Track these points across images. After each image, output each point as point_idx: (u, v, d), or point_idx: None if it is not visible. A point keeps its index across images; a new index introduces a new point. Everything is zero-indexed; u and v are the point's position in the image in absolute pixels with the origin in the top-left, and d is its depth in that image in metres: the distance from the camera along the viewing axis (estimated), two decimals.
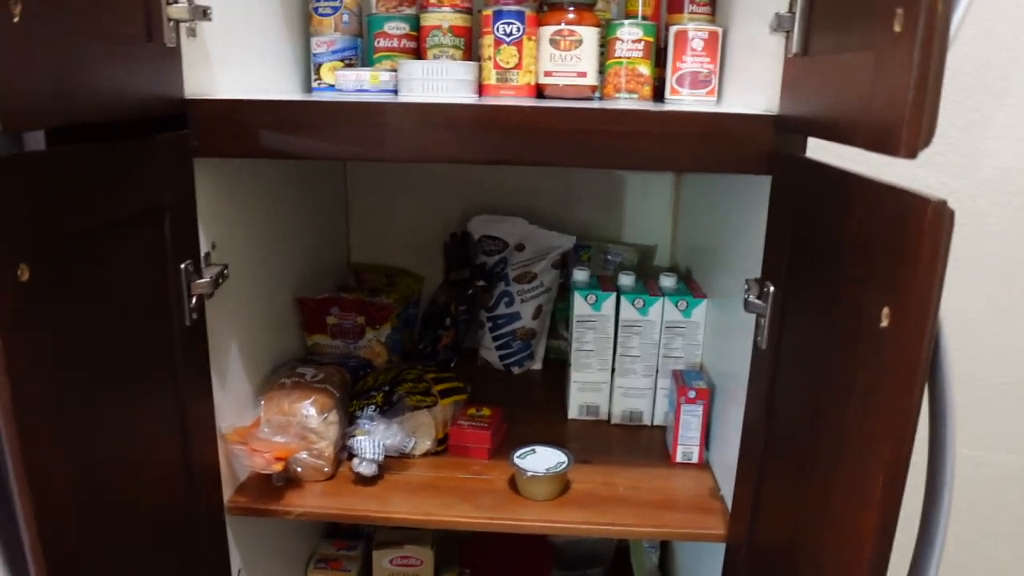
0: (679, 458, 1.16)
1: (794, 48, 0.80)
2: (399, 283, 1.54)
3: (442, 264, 1.59)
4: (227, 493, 1.03)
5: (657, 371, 1.26)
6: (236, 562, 1.06)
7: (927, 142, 0.51)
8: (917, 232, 0.51)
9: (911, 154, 0.52)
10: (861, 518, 0.60)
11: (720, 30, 1.05)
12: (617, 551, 1.64)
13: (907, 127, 0.52)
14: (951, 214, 0.50)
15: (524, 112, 0.86)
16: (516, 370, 1.51)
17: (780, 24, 0.82)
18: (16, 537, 0.73)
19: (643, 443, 1.24)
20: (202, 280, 0.90)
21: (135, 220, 0.78)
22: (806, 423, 0.75)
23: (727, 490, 1.04)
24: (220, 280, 0.94)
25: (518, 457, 1.06)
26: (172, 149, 0.83)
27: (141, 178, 0.78)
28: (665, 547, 1.56)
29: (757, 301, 0.87)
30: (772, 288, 0.84)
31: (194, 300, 0.89)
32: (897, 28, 0.54)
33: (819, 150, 0.78)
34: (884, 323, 0.56)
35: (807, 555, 0.74)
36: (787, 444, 0.82)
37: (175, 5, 0.81)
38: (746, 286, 0.90)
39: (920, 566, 0.64)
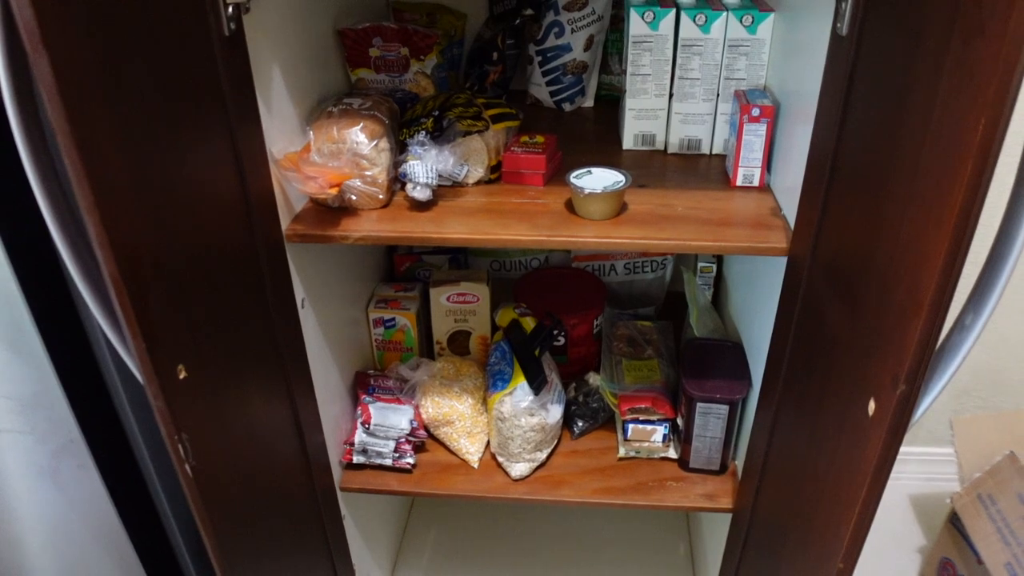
0: (740, 181, 1.12)
1: None
2: (440, 20, 1.45)
3: (485, 1, 1.49)
4: (284, 223, 1.03)
5: (718, 95, 1.20)
6: (299, 293, 1.09)
7: None
8: None
9: None
10: (947, 194, 0.57)
11: None
12: (668, 293, 1.66)
13: None
14: None
15: None
16: (567, 107, 1.45)
17: None
18: (81, 232, 0.74)
19: (702, 170, 1.20)
20: None
21: None
22: (887, 118, 0.70)
23: (789, 211, 1.01)
24: None
25: (574, 177, 1.03)
26: None
27: None
28: (718, 285, 1.57)
29: None
30: None
31: (230, 9, 0.84)
32: None
33: None
34: None
35: (877, 265, 0.72)
36: (861, 152, 0.77)
37: None
38: None
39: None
